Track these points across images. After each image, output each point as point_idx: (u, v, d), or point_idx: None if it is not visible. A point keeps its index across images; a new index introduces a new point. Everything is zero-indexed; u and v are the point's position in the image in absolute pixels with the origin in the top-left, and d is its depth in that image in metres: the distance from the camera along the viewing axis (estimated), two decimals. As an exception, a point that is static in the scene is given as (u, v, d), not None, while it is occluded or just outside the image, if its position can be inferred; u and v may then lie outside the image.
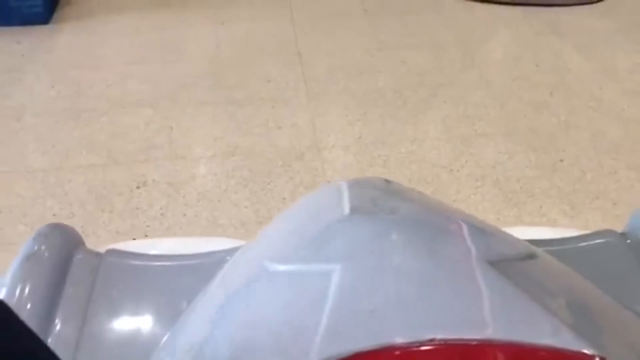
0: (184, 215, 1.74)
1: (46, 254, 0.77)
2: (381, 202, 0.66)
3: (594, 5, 2.81)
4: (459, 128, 2.08)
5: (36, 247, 0.77)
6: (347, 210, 0.63)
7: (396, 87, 2.26)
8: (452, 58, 2.42)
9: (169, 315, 0.74)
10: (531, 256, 0.65)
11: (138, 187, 1.84)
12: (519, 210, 1.77)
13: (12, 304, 0.56)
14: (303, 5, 2.76)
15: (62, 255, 0.79)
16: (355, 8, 2.76)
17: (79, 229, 1.70)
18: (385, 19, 2.67)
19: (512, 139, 2.04)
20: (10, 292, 0.72)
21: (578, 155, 1.97)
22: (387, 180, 0.72)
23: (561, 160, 1.95)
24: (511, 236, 0.69)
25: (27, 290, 0.73)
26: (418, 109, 2.16)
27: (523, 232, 0.78)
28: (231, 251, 0.81)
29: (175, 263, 0.82)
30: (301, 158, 1.94)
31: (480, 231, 0.63)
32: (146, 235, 1.67)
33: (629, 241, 0.84)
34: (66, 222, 1.70)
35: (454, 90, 2.25)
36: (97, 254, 0.82)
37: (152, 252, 0.85)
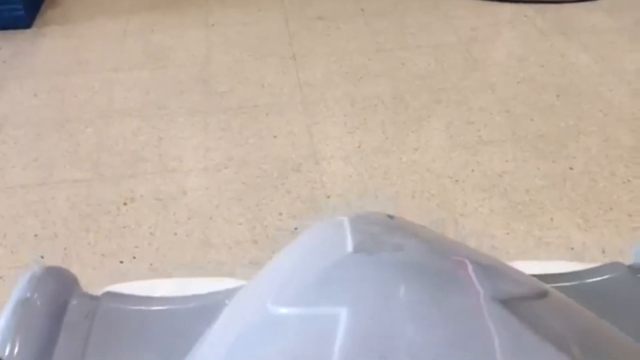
0: (175, 234, 1.64)
1: (39, 302, 0.75)
2: (385, 239, 0.64)
3: (597, 2, 2.72)
4: (463, 135, 1.98)
5: (29, 294, 0.75)
6: (350, 248, 0.61)
7: (396, 92, 2.16)
8: (454, 60, 2.32)
9: None
10: (542, 294, 0.63)
11: (125, 204, 1.73)
12: (529, 224, 1.67)
13: (4, 355, 0.56)
14: (297, 6, 2.66)
15: (57, 302, 0.76)
16: (352, 8, 2.65)
17: (61, 250, 1.61)
18: (383, 19, 2.56)
19: (519, 145, 1.94)
20: (3, 342, 0.70)
21: (589, 162, 1.87)
22: (389, 215, 0.70)
23: (571, 168, 1.85)
24: (520, 273, 0.68)
25: (20, 341, 0.71)
26: (420, 114, 2.06)
27: (528, 267, 0.75)
28: (233, 292, 0.78)
29: (174, 307, 0.80)
30: (298, 170, 1.84)
31: (489, 269, 0.61)
32: (134, 257, 1.57)
33: (638, 275, 0.81)
34: (48, 243, 1.62)
35: (457, 94, 2.15)
36: (93, 298, 0.80)
37: (150, 294, 0.82)
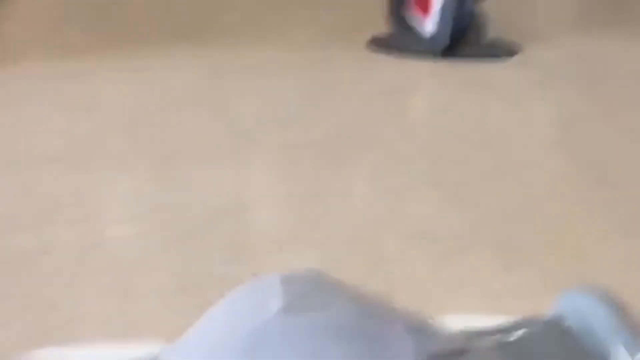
0: (96, 285, 1.57)
1: None
2: (314, 298, 0.66)
3: (510, 59, 2.91)
4: (389, 182, 2.04)
5: None
6: (278, 308, 0.62)
7: (325, 140, 2.21)
8: (379, 111, 2.41)
9: None
10: (466, 350, 0.66)
11: (44, 253, 1.66)
12: (454, 268, 1.73)
13: None
14: (226, 53, 2.69)
15: None
16: (281, 58, 2.71)
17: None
18: (312, 70, 2.63)
19: (441, 193, 2.01)
20: None
21: (506, 209, 1.97)
22: (319, 274, 0.72)
23: (491, 214, 1.94)
24: (445, 329, 0.71)
25: None
26: (348, 162, 2.11)
27: (451, 321, 0.80)
28: (155, 357, 0.74)
29: None
30: (227, 217, 1.83)
31: (416, 328, 0.65)
32: (52, 310, 1.49)
33: (556, 328, 0.85)
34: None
35: (384, 144, 2.22)
36: None
37: None
